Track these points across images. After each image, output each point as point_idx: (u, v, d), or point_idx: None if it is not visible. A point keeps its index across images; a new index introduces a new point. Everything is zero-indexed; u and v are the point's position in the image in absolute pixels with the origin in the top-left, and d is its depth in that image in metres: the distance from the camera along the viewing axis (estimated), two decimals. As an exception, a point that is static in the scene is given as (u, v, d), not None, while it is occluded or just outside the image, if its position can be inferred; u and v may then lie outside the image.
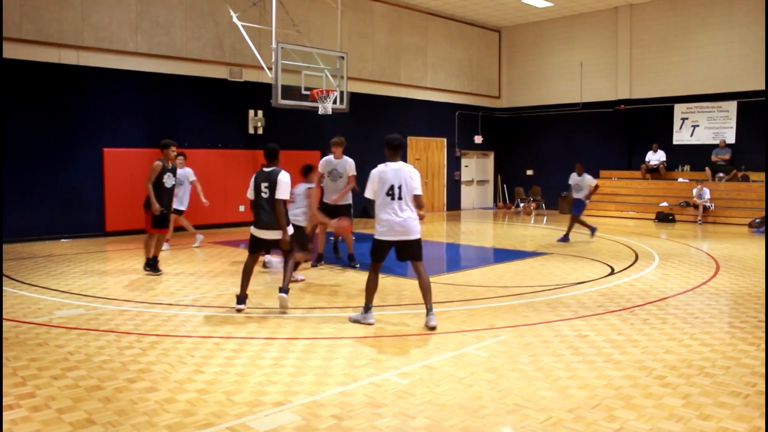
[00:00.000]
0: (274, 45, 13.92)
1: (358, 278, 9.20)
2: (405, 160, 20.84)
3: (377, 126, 19.63)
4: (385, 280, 9.08)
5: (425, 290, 6.55)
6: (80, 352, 5.63)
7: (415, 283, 8.88)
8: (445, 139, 22.65)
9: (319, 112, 14.71)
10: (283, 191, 7.19)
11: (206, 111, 15.99)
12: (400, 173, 6.49)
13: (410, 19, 21.02)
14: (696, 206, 18.13)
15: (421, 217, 6.63)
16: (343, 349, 5.74)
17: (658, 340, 6.04)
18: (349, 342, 6.00)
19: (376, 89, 19.87)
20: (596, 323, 6.71)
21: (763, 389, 4.72)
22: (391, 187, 6.46)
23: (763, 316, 7.02)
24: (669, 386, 4.81)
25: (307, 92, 14.45)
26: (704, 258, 11.48)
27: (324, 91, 14.53)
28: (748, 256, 11.70)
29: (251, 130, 16.73)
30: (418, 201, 6.55)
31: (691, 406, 4.41)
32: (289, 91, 14.21)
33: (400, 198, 6.45)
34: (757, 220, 16.34)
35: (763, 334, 6.24)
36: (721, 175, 19.11)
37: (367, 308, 6.62)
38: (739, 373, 5.11)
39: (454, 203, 23.21)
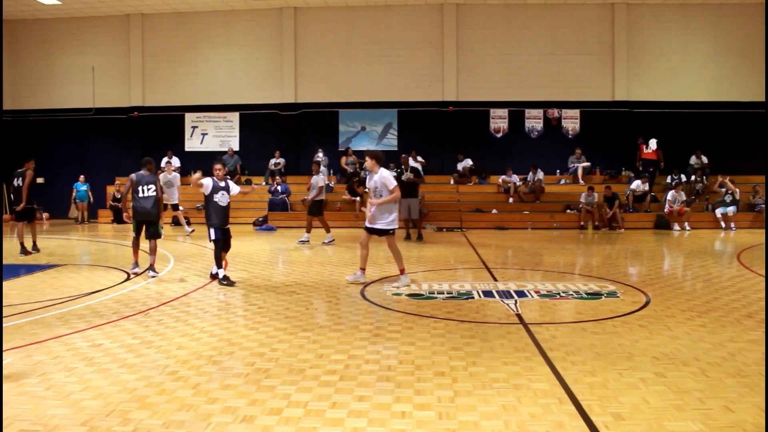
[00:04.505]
0: None
1: None
2: None
3: None
4: None
5: None
6: None
7: None
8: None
9: None
10: None
11: None
12: None
13: None
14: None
15: None
16: None
17: (171, 338, 6.35)
18: None
19: None
20: (111, 330, 6.68)
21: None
22: None
23: (264, 304, 7.96)
24: (181, 380, 5.13)
25: None
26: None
27: None
28: (252, 251, 13.12)
29: None
30: None
31: (200, 394, 4.79)
32: None
33: None
34: (260, 219, 18.35)
35: (264, 319, 7.09)
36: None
37: None
38: (241, 356, 5.74)
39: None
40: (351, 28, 21.31)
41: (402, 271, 9.23)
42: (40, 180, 21.36)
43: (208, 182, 9.56)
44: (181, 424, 4.27)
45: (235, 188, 9.93)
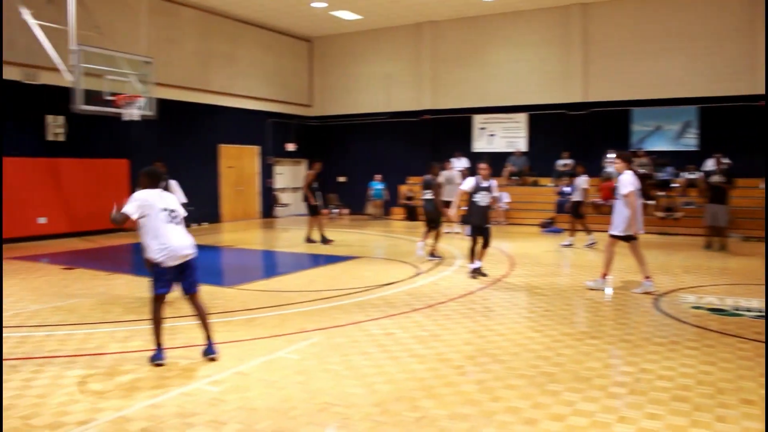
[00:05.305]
0: (73, 46, 13.09)
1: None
2: (216, 168, 20.51)
3: (187, 133, 19.17)
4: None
5: None
6: None
7: (228, 291, 8.83)
8: (258, 147, 22.55)
9: (123, 118, 14.05)
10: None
11: (-6, 116, 14.62)
12: None
13: (220, 26, 20.71)
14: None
15: None
16: (153, 362, 5.61)
17: (458, 333, 6.55)
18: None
19: (185, 96, 19.32)
20: (402, 321, 7.12)
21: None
22: None
23: (549, 306, 7.84)
24: (466, 375, 5.25)
25: (112, 97, 13.73)
26: (501, 256, 12.48)
27: (128, 97, 13.90)
28: (538, 253, 12.97)
29: (51, 137, 15.55)
30: None
31: (484, 391, 4.86)
32: (92, 96, 13.42)
33: None
34: (547, 221, 18.08)
35: (550, 322, 6.99)
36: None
37: None
38: (525, 358, 5.70)
39: (267, 210, 23.13)
40: (643, 21, 19.96)
41: (647, 278, 8.77)
42: (342, 179, 23.71)
43: (470, 181, 9.90)
44: (465, 417, 4.38)
45: (497, 191, 10.20)
